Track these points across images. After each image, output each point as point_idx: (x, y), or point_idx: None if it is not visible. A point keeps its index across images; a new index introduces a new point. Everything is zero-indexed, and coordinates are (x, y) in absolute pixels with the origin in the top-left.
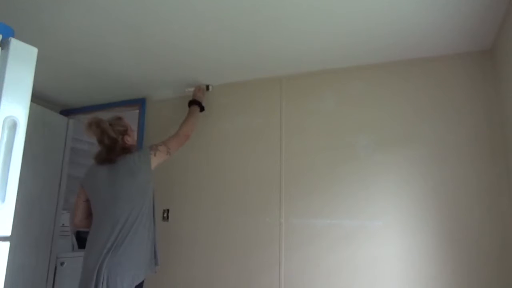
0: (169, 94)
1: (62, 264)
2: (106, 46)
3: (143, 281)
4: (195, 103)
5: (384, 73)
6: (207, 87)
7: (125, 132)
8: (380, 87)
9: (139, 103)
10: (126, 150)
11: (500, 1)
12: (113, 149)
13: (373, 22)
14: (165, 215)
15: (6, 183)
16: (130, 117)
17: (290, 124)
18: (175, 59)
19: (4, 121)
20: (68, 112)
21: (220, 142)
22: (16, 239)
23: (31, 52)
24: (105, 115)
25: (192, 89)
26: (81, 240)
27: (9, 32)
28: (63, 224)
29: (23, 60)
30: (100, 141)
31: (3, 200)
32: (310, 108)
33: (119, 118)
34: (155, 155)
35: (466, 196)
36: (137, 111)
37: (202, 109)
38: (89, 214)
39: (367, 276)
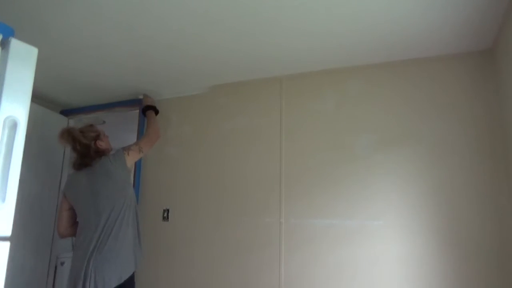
0: (169, 95)
1: (62, 264)
2: (106, 46)
3: (133, 276)
4: (149, 109)
5: (384, 73)
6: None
7: (97, 137)
8: (380, 87)
9: (139, 103)
10: (101, 153)
11: (500, 1)
12: (86, 154)
13: (372, 22)
14: (165, 215)
15: (6, 183)
16: (130, 117)
17: (290, 124)
18: (175, 59)
19: (4, 121)
20: (68, 112)
21: (220, 142)
22: (16, 239)
23: (31, 52)
24: (105, 115)
25: (141, 97)
26: None
27: (9, 32)
28: None
29: (23, 60)
30: (74, 148)
31: (3, 200)
32: (310, 108)
33: (91, 125)
34: (128, 154)
35: (466, 196)
36: (137, 111)
37: (156, 112)
38: (73, 223)
39: (367, 276)
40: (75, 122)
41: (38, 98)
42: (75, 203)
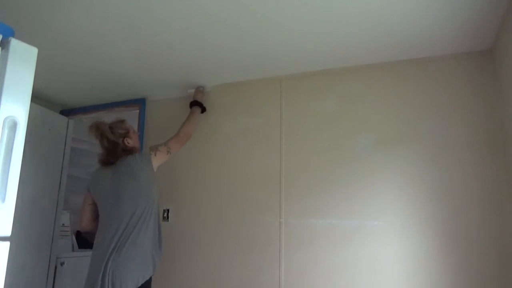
0: (169, 94)
1: (62, 264)
2: (106, 46)
3: (150, 280)
4: (196, 104)
5: (384, 73)
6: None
7: (126, 134)
8: (380, 87)
9: (139, 103)
10: (128, 152)
11: (500, 1)
12: (113, 152)
13: (372, 22)
14: (165, 215)
15: (6, 183)
16: (130, 117)
17: (290, 124)
18: (175, 59)
19: (4, 121)
20: (68, 112)
21: (220, 142)
22: (16, 239)
23: (31, 52)
24: (105, 115)
25: (193, 90)
26: (81, 240)
27: (9, 32)
28: (63, 224)
29: (23, 60)
30: (101, 144)
31: (3, 200)
32: (310, 108)
33: (121, 121)
34: (155, 155)
35: (466, 196)
36: (137, 111)
37: (203, 110)
38: (96, 217)
39: (367, 276)
40: (75, 122)
41: (38, 98)
42: (97, 200)
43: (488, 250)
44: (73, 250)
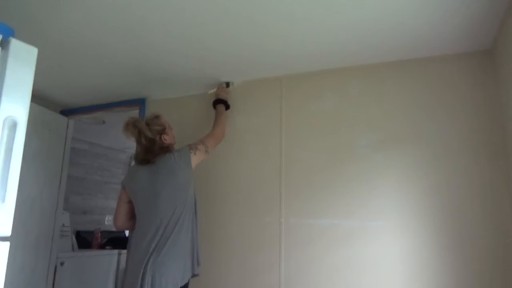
0: (169, 94)
1: (62, 264)
2: (106, 46)
3: (188, 283)
4: (220, 102)
5: (384, 73)
6: (227, 84)
7: (162, 131)
8: (380, 87)
9: (139, 103)
10: (165, 149)
11: (500, 1)
12: (151, 149)
13: (373, 22)
14: None
15: (6, 183)
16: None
17: (290, 124)
18: (174, 60)
19: (4, 121)
20: (68, 112)
21: (220, 142)
22: (16, 239)
23: (31, 52)
24: (105, 115)
25: (214, 90)
26: (80, 240)
27: (9, 32)
28: (63, 224)
29: (23, 60)
30: (138, 142)
31: (3, 200)
32: (310, 108)
33: (157, 117)
34: (195, 154)
35: (467, 196)
36: (137, 111)
37: (227, 107)
38: (131, 216)
39: (367, 276)
40: (75, 122)
41: (38, 98)
42: (134, 199)
43: (489, 250)
44: (73, 250)
